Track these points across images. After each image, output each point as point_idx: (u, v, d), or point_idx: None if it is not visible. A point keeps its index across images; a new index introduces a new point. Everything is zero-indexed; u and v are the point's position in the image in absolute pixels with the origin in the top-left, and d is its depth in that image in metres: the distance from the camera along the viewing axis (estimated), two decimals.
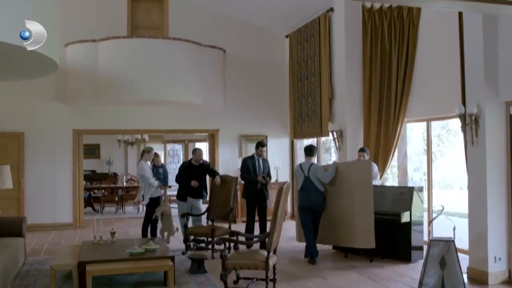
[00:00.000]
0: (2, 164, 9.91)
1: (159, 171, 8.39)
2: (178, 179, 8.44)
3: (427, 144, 8.55)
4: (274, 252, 5.85)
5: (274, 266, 5.82)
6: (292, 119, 11.72)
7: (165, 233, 8.23)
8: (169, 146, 19.24)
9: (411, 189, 7.24)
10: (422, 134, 13.22)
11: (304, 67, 11.01)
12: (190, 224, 8.39)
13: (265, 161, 8.61)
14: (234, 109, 11.81)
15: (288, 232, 9.87)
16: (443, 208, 5.65)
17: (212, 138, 11.89)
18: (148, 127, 11.41)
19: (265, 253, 5.54)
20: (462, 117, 6.28)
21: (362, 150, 8.16)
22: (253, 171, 8.35)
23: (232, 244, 6.35)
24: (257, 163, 8.43)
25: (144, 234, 8.27)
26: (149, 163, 8.36)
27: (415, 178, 10.46)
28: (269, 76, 12.07)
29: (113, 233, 6.98)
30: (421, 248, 7.23)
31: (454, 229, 5.51)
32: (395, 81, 8.54)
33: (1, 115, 10.27)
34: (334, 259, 7.56)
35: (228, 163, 11.81)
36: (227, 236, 5.95)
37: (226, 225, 7.97)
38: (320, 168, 7.50)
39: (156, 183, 8.17)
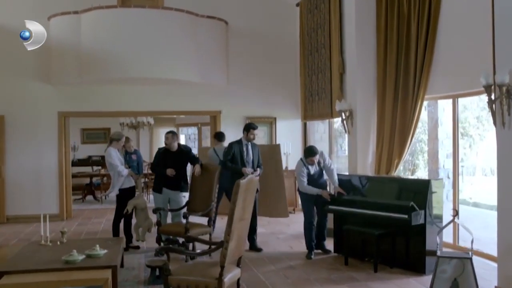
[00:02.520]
0: None
1: (132, 158, 7.25)
2: (153, 167, 7.26)
3: (453, 125, 7.03)
4: (238, 264, 4.60)
5: (238, 283, 4.58)
6: (303, 99, 10.32)
7: (140, 230, 7.15)
8: (190, 130, 18.14)
9: (427, 182, 5.77)
10: (456, 114, 11.57)
11: (314, 38, 9.56)
12: (169, 220, 7.24)
13: (255, 147, 7.29)
14: (239, 88, 10.53)
15: (291, 229, 8.60)
16: (456, 214, 4.21)
17: (214, 121, 10.65)
18: (140, 108, 10.27)
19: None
20: (489, 89, 4.76)
21: (311, 153, 6.65)
22: (240, 160, 7.05)
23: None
24: (245, 149, 7.11)
25: (115, 231, 7.17)
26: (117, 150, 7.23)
27: (448, 166, 8.89)
28: (278, 50, 10.68)
29: (63, 233, 5.90)
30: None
31: (472, 242, 4.07)
32: (415, 50, 7.00)
33: None
34: (332, 266, 6.21)
35: None
36: (170, 246, 4.65)
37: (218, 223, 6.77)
38: None
39: (125, 171, 7.03)
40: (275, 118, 10.80)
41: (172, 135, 7.17)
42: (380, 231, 5.88)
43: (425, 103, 7.27)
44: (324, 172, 6.84)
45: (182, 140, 18.28)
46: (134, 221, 7.24)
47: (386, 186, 6.19)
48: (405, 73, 7.18)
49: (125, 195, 7.07)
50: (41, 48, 9.28)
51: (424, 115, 13.20)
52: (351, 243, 6.31)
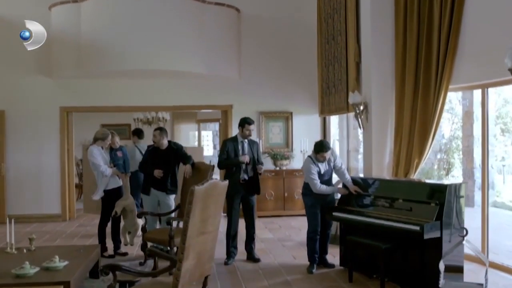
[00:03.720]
0: None
1: (117, 155, 6.60)
2: (141, 166, 6.61)
3: (483, 118, 6.03)
4: (204, 285, 3.86)
5: None
6: (320, 91, 9.45)
7: (128, 234, 6.55)
8: (217, 126, 17.49)
9: (444, 188, 4.83)
10: (496, 108, 10.40)
11: (330, 24, 8.67)
12: (158, 225, 6.59)
13: (254, 144, 6.51)
14: (252, 81, 9.79)
15: (302, 234, 7.77)
16: (465, 234, 3.33)
17: (225, 116, 9.93)
18: (146, 103, 9.65)
19: None
20: None
21: (323, 148, 5.84)
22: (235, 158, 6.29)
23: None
24: (240, 147, 6.33)
25: (101, 237, 6.56)
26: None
27: None
28: (295, 39, 9.84)
29: (31, 240, 5.31)
30: (459, 273, 4.89)
31: (486, 273, 3.19)
32: (437, 34, 6.07)
33: None
34: (333, 284, 5.37)
35: None
36: (118, 264, 3.90)
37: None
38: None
39: (109, 170, 6.41)
40: (291, 113, 9.98)
41: (160, 132, 6.50)
42: (388, 244, 5.00)
43: (458, 95, 6.31)
44: (333, 172, 6.03)
45: (207, 138, 17.64)
46: (122, 224, 6.64)
47: (397, 191, 5.28)
48: (427, 61, 6.24)
49: (111, 196, 6.46)
50: None
51: (459, 109, 12.12)
52: (357, 257, 5.46)
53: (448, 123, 11.92)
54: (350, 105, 7.49)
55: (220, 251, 6.12)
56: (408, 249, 5.00)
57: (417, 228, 4.68)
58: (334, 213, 5.69)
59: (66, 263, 4.61)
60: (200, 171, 6.30)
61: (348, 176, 5.93)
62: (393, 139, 6.75)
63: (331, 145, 6.22)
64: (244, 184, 6.24)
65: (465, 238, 4.38)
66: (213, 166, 6.34)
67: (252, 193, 6.33)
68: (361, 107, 6.94)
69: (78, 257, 4.95)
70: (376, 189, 5.55)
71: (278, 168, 9.62)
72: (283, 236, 7.83)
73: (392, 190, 5.35)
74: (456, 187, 4.88)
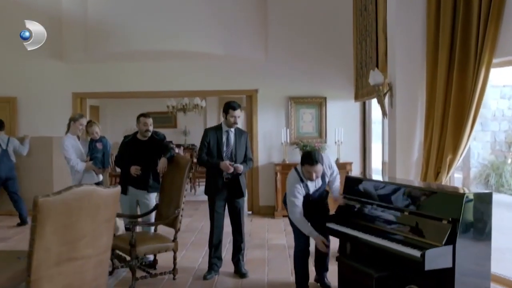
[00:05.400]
0: None
1: (97, 147, 5.75)
2: (117, 161, 5.71)
3: None
4: None
5: None
6: (355, 73, 8.08)
7: None
8: None
9: (459, 198, 3.45)
10: None
11: None
12: (138, 229, 5.67)
13: (242, 135, 5.37)
14: (279, 62, 8.63)
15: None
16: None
17: (249, 102, 8.84)
18: (163, 88, 8.76)
19: None
20: None
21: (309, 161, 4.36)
22: (217, 152, 5.18)
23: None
24: (224, 137, 5.23)
25: None
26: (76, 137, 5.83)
27: None
28: (329, 14, 8.51)
29: None
30: None
31: None
32: None
33: None
34: None
35: (271, 135, 8.70)
36: None
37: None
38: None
39: (81, 165, 5.60)
40: (325, 98, 8.68)
41: (147, 119, 5.56)
42: (385, 271, 3.73)
43: None
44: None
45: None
46: None
47: (405, 200, 3.94)
48: (464, 30, 4.76)
49: None
50: (51, 22, 8.38)
51: None
52: (352, 281, 4.19)
53: None
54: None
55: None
56: (410, 281, 3.67)
57: (417, 254, 3.36)
58: (329, 225, 4.44)
59: None
60: (179, 166, 5.29)
61: (337, 184, 4.67)
62: (424, 129, 5.33)
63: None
64: (228, 183, 5.15)
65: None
66: (192, 160, 5.31)
67: (238, 195, 5.23)
68: (385, 89, 5.57)
69: (7, 267, 4.16)
70: (382, 195, 4.22)
71: None
72: None
73: (400, 198, 4.01)
74: (479, 198, 3.48)
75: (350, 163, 8.32)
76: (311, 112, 8.73)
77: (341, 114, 8.61)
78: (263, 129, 8.75)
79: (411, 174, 5.40)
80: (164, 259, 5.34)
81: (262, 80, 8.66)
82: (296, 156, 8.42)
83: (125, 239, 4.90)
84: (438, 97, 5.06)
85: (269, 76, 8.64)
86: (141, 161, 5.43)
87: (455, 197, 3.50)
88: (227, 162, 5.05)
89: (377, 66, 6.44)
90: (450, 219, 3.41)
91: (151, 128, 5.52)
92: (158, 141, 5.56)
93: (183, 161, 5.30)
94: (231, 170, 5.05)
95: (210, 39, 7.90)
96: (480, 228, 3.47)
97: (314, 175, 4.36)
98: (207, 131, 5.25)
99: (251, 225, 7.88)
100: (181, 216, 5.09)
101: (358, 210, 4.33)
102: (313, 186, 4.53)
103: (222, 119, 5.36)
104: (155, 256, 5.40)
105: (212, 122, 14.38)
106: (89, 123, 5.84)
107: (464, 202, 3.38)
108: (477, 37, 4.63)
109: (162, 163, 5.29)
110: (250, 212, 8.86)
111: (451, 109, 4.90)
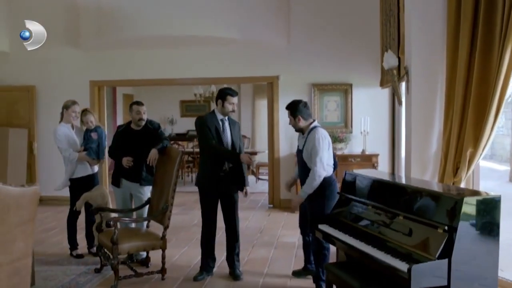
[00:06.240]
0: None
1: (92, 137, 5.48)
2: (110, 151, 5.40)
3: None
4: None
5: None
6: (381, 57, 7.40)
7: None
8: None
9: (458, 203, 2.87)
10: None
11: None
12: (133, 225, 5.38)
13: (235, 125, 4.91)
14: (302, 47, 8.11)
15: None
16: None
17: (270, 89, 8.36)
18: (179, 75, 8.42)
19: None
20: None
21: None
22: (218, 142, 4.72)
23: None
24: (221, 127, 4.79)
25: (70, 232, 5.58)
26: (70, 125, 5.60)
27: None
28: None
29: None
30: None
31: None
32: None
33: (9, 65, 8.65)
34: None
35: None
36: None
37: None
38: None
39: (74, 155, 5.34)
40: (350, 85, 8.07)
41: (140, 107, 5.24)
42: (372, 285, 3.19)
43: None
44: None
45: None
46: None
47: (402, 202, 3.38)
48: (489, 5, 4.08)
49: (79, 186, 5.40)
50: (68, 9, 8.25)
51: None
52: None
53: None
54: (402, 71, 5.47)
55: None
56: None
57: (404, 268, 2.83)
58: (321, 227, 3.93)
59: None
60: (170, 158, 4.92)
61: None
62: (443, 119, 4.69)
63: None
64: (223, 176, 4.72)
65: None
66: (181, 152, 4.91)
67: (233, 189, 4.80)
68: (400, 73, 4.96)
69: None
70: (379, 195, 3.67)
71: None
72: None
73: (396, 199, 3.45)
74: (484, 203, 2.89)
75: (376, 155, 7.70)
76: (335, 100, 8.15)
77: (368, 102, 7.99)
78: (285, 118, 8.05)
79: (428, 170, 4.77)
80: (159, 257, 4.98)
81: (284, 66, 8.16)
82: None
83: (109, 236, 4.59)
84: (458, 82, 4.41)
85: (291, 62, 8.13)
86: (134, 152, 5.11)
87: (452, 201, 2.91)
88: (246, 156, 4.71)
89: (398, 48, 5.81)
90: (446, 227, 2.84)
91: (144, 116, 5.19)
92: (152, 130, 5.21)
93: (174, 153, 4.93)
94: (251, 162, 4.72)
95: (229, 24, 7.49)
96: (484, 239, 2.88)
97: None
98: (205, 119, 4.76)
99: (267, 220, 7.45)
100: (170, 212, 4.73)
101: (355, 211, 3.81)
102: (301, 142, 4.56)
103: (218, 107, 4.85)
104: (147, 253, 5.08)
105: (246, 110, 14.00)
106: (84, 111, 5.58)
107: (462, 208, 2.80)
108: (502, 15, 3.95)
109: (152, 154, 4.94)
110: (271, 205, 8.45)
111: (472, 96, 4.25)
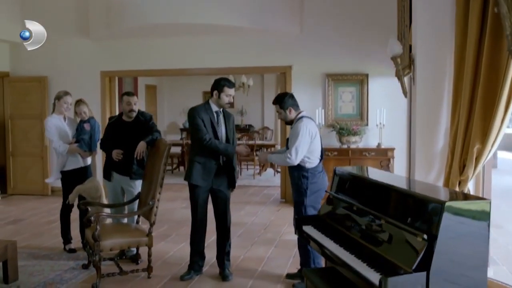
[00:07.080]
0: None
1: (84, 128, 5.32)
2: (102, 144, 5.24)
3: None
4: None
5: None
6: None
7: None
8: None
9: (439, 207, 2.52)
10: None
11: None
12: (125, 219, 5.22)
13: (230, 117, 4.65)
14: (316, 35, 7.80)
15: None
16: None
17: (283, 79, 8.06)
18: (188, 65, 8.23)
19: None
20: None
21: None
22: (212, 135, 4.48)
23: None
24: (216, 119, 4.53)
25: (63, 226, 5.47)
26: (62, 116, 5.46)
27: None
28: None
29: None
30: None
31: None
32: None
33: (21, 56, 8.65)
34: None
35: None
36: None
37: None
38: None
39: (63, 147, 5.21)
40: (366, 75, 7.69)
41: (131, 98, 5.05)
42: None
43: None
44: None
45: None
46: None
47: (387, 204, 3.05)
48: None
49: (70, 179, 5.27)
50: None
51: None
52: None
53: None
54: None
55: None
56: None
57: (376, 280, 2.52)
58: (305, 228, 3.64)
59: None
60: (158, 151, 4.72)
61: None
62: (450, 111, 4.29)
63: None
64: (216, 171, 4.48)
65: None
66: (170, 146, 4.69)
67: (225, 184, 4.56)
68: (404, 61, 4.58)
69: None
70: (364, 195, 3.34)
71: (345, 146, 7.49)
72: None
73: (380, 201, 3.12)
74: (469, 208, 2.54)
75: (392, 149, 7.30)
76: (351, 90, 7.79)
77: (385, 93, 7.58)
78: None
79: (433, 168, 4.41)
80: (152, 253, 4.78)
81: (297, 55, 7.86)
82: (332, 140, 7.58)
83: (92, 231, 4.43)
84: (466, 72, 4.01)
85: (304, 51, 7.82)
86: (125, 144, 4.93)
87: (432, 206, 2.57)
88: (244, 147, 4.55)
89: (410, 34, 5.40)
90: (425, 235, 2.51)
91: (135, 107, 5.00)
92: (144, 122, 5.02)
93: (162, 146, 4.71)
94: (249, 152, 4.72)
95: (240, 12, 7.25)
96: (468, 252, 2.53)
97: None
98: (198, 111, 4.49)
99: (275, 215, 7.19)
100: (157, 207, 4.53)
101: (341, 212, 3.50)
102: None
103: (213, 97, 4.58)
104: (137, 249, 4.92)
105: (269, 101, 13.71)
106: (77, 102, 5.44)
107: (443, 214, 2.46)
108: None
109: (139, 147, 4.75)
110: (283, 200, 8.20)
111: (480, 87, 3.86)
